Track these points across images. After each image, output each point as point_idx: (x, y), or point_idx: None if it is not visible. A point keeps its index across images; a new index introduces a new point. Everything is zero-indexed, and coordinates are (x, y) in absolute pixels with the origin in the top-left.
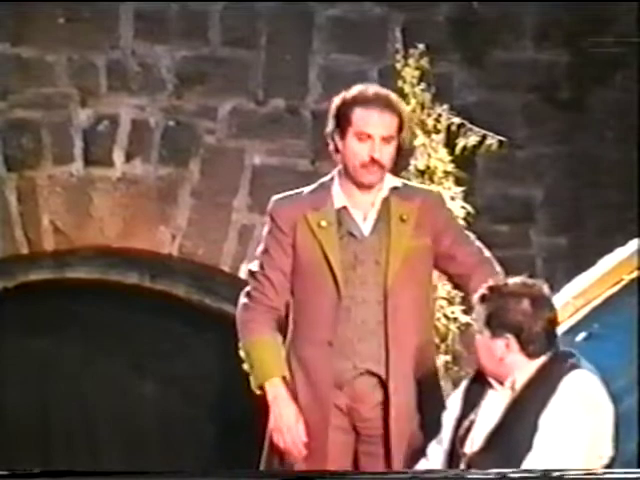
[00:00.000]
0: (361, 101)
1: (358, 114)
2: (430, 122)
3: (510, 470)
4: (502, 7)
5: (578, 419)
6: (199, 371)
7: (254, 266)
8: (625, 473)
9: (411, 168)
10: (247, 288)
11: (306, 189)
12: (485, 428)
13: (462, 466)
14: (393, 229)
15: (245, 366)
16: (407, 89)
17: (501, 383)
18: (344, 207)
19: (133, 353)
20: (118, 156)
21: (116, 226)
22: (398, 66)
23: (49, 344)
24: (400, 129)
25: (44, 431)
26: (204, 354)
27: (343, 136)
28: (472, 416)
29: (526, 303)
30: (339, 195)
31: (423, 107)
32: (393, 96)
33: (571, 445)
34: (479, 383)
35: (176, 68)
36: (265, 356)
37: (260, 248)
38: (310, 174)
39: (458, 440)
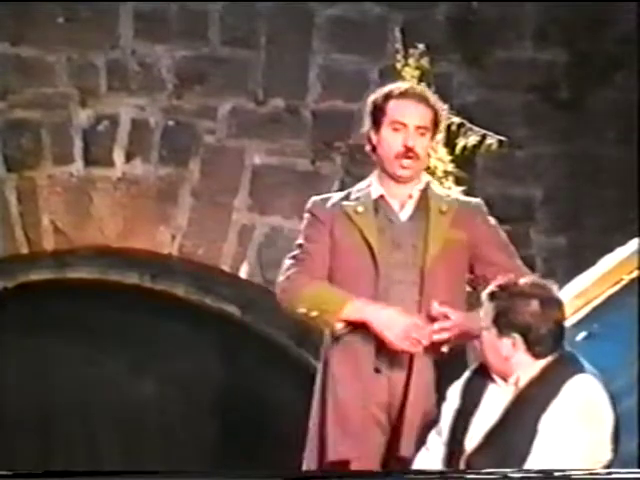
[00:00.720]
0: (396, 94)
1: (393, 105)
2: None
3: (511, 470)
4: (502, 7)
5: (578, 425)
6: (199, 371)
7: (295, 251)
8: (627, 473)
9: None
10: (287, 266)
11: (346, 191)
12: (485, 425)
13: (461, 462)
14: (432, 218)
15: (312, 319)
16: None
17: (504, 379)
18: (381, 196)
19: (133, 353)
20: (118, 156)
21: (116, 226)
22: (398, 66)
23: (49, 344)
24: (435, 124)
25: (44, 430)
26: (204, 354)
27: (378, 130)
28: (472, 410)
29: (535, 304)
30: (376, 187)
31: None
32: (428, 91)
33: (569, 450)
34: (481, 376)
35: (176, 68)
36: (329, 292)
37: (299, 240)
38: (310, 174)
39: (457, 435)
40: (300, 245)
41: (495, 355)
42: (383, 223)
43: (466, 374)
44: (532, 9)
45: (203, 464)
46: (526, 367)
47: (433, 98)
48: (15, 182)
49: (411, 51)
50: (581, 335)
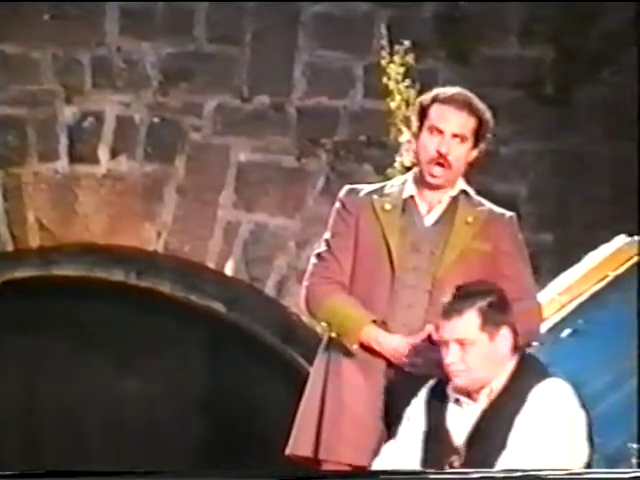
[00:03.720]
0: (441, 98)
1: (435, 109)
2: (414, 118)
3: (515, 470)
4: (487, 4)
5: (551, 431)
6: (185, 368)
7: (320, 248)
8: (609, 473)
9: (397, 165)
10: (311, 269)
11: (382, 183)
12: (457, 442)
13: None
14: (456, 227)
15: (332, 334)
16: (392, 85)
17: (471, 396)
18: (411, 196)
19: (119, 350)
20: (103, 153)
21: (101, 223)
22: (383, 63)
23: (35, 341)
24: (477, 133)
25: (30, 427)
26: (190, 351)
27: (420, 131)
28: (440, 430)
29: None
30: (410, 186)
31: (408, 104)
32: (475, 99)
33: (545, 456)
34: (442, 396)
35: (161, 65)
36: (349, 311)
37: (327, 234)
38: (295, 171)
39: (429, 456)
40: (327, 241)
41: (491, 363)
42: (407, 224)
43: (424, 392)
44: (518, 5)
45: (188, 460)
46: (502, 373)
47: (479, 106)
48: (0, 179)
49: (397, 48)
50: (566, 332)
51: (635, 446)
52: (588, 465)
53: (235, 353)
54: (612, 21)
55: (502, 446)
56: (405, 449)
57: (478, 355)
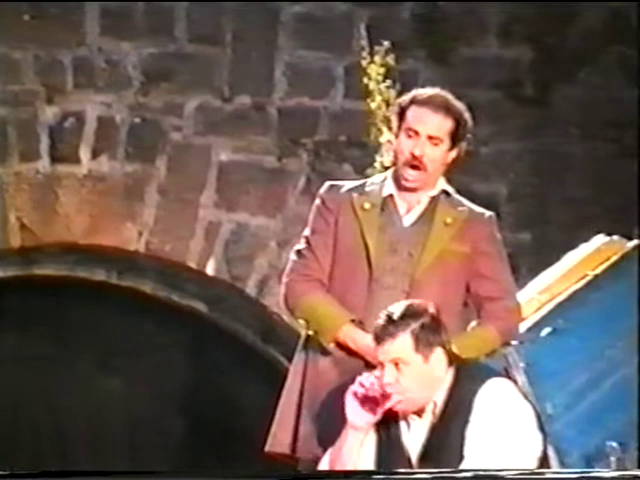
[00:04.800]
0: (418, 100)
1: (412, 111)
2: (394, 119)
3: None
4: (466, 4)
5: (502, 430)
6: (166, 367)
7: (300, 245)
8: (580, 473)
9: (377, 165)
10: (291, 265)
11: (362, 180)
12: (412, 454)
13: None
14: (434, 228)
15: (310, 331)
16: (372, 86)
17: (416, 412)
18: (391, 195)
19: (100, 349)
20: (84, 153)
21: (83, 223)
22: (363, 63)
23: (16, 340)
24: (454, 134)
25: (12, 425)
26: (171, 350)
27: (398, 134)
28: (394, 442)
29: (433, 314)
30: (389, 185)
31: (388, 104)
32: (453, 100)
33: (503, 456)
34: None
35: (142, 65)
36: (326, 309)
37: (307, 230)
38: (276, 171)
39: (384, 467)
40: (306, 238)
41: (423, 388)
42: (386, 224)
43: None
44: (496, 6)
45: (170, 458)
46: (442, 387)
47: (457, 107)
48: None
49: (377, 48)
50: (546, 331)
51: (614, 444)
52: (544, 454)
53: (216, 352)
54: (589, 22)
55: (459, 458)
56: (357, 467)
57: (413, 376)
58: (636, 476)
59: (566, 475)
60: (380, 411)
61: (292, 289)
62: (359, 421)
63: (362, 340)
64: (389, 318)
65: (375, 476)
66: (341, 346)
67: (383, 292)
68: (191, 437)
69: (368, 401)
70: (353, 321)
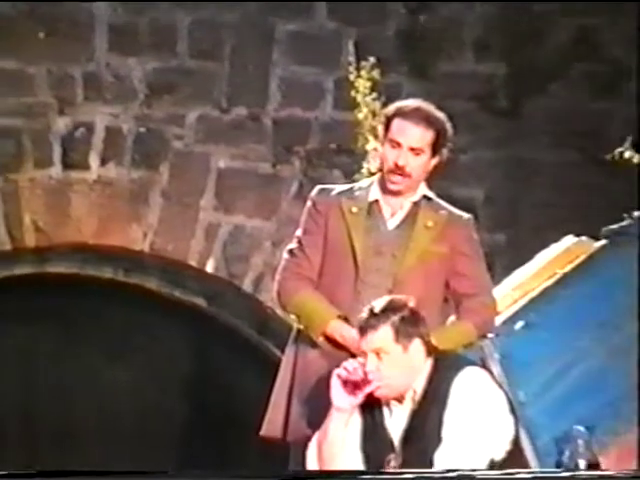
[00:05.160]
0: (401, 112)
1: (395, 123)
2: (380, 128)
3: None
4: (445, 23)
5: (477, 414)
6: (169, 358)
7: (292, 245)
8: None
9: (364, 171)
10: (283, 264)
11: (350, 184)
12: (395, 439)
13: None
14: (416, 231)
15: (300, 326)
16: (359, 98)
17: (396, 399)
18: (376, 200)
19: (108, 342)
20: (94, 160)
21: (92, 225)
22: (351, 77)
23: (31, 333)
24: (435, 144)
25: (27, 414)
26: (174, 342)
27: (384, 143)
28: (378, 427)
29: (412, 308)
30: (375, 190)
31: (374, 114)
32: (434, 112)
33: (479, 439)
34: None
35: (147, 79)
36: (316, 305)
37: (298, 231)
38: (271, 176)
39: (370, 452)
40: (298, 238)
41: (402, 376)
42: (371, 227)
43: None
44: (473, 25)
45: (173, 442)
46: (420, 376)
47: (437, 119)
48: None
49: (363, 63)
50: (519, 324)
51: (581, 428)
52: (516, 437)
53: (215, 344)
54: (558, 40)
55: (438, 441)
56: (344, 447)
57: (393, 364)
58: (636, 476)
59: (551, 475)
60: (361, 394)
61: (284, 286)
62: (343, 403)
63: (348, 334)
64: (371, 311)
65: (375, 476)
66: (329, 339)
67: (369, 290)
68: (193, 422)
69: (351, 384)
70: (340, 317)
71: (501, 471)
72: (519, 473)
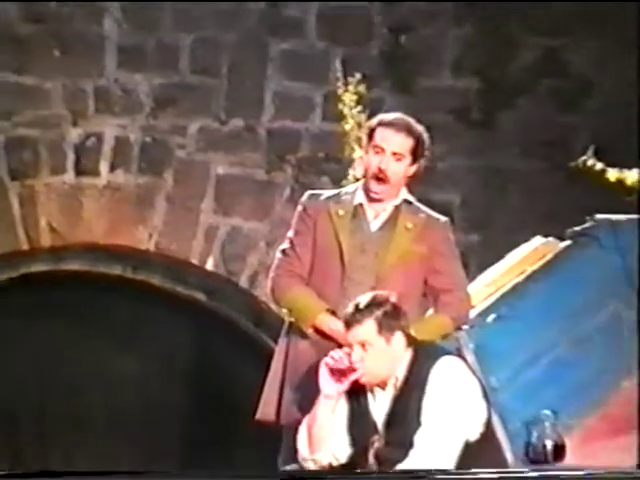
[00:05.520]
0: (383, 122)
1: (378, 132)
2: (365, 138)
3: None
4: (424, 43)
5: (453, 399)
6: (173, 348)
7: (284, 245)
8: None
9: (350, 177)
10: (277, 262)
11: (337, 190)
12: (378, 422)
13: (370, 456)
14: (397, 232)
15: (291, 319)
16: (346, 111)
17: (379, 386)
18: (361, 204)
19: (117, 333)
20: (103, 167)
21: (102, 226)
22: (339, 92)
23: (47, 326)
24: (414, 151)
25: (42, 400)
26: (177, 334)
27: (367, 151)
28: (364, 412)
29: (394, 302)
30: (359, 195)
31: (360, 126)
32: (413, 123)
33: (453, 419)
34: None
35: (152, 93)
36: (306, 300)
37: (290, 232)
38: (265, 182)
39: (357, 436)
40: (290, 239)
41: (385, 365)
42: (356, 228)
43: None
44: (450, 45)
45: (176, 425)
46: (401, 364)
47: (416, 128)
48: (17, 189)
49: (350, 79)
50: (491, 317)
51: (549, 412)
52: (489, 420)
53: (215, 335)
54: (526, 59)
55: (418, 424)
56: (331, 430)
57: (376, 355)
58: (635, 476)
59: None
60: (347, 382)
61: (278, 283)
62: (330, 390)
63: (334, 326)
64: (357, 306)
65: (375, 475)
66: (318, 331)
67: (354, 286)
68: (194, 407)
69: (337, 372)
70: (328, 310)
71: (463, 470)
72: (481, 473)
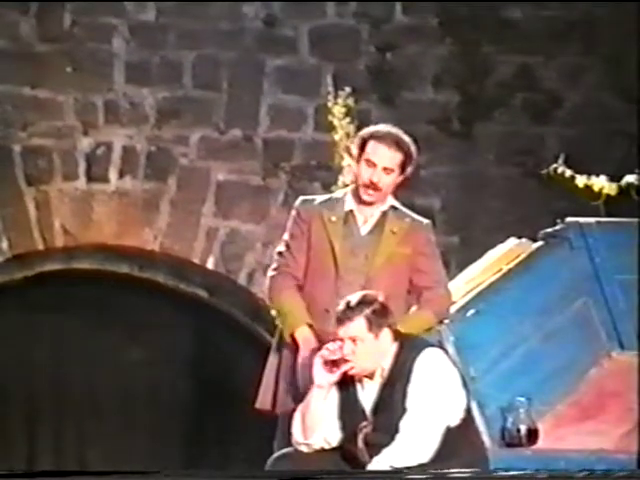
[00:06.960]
0: (376, 136)
1: (370, 145)
2: (354, 147)
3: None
4: (408, 60)
5: (435, 388)
6: (176, 341)
7: (280, 247)
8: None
9: (340, 183)
10: (274, 265)
11: (328, 195)
12: (367, 409)
13: (359, 440)
14: (384, 236)
15: (277, 321)
16: (336, 122)
17: (368, 376)
18: (351, 210)
19: (125, 327)
20: (112, 174)
21: (111, 228)
22: (329, 104)
23: (60, 320)
24: (403, 165)
25: (58, 387)
26: (180, 328)
27: (359, 160)
28: (354, 399)
29: (383, 299)
30: (349, 201)
31: (348, 136)
32: (403, 137)
33: (435, 406)
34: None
35: (157, 106)
36: (292, 308)
37: (285, 235)
38: (261, 188)
39: (347, 421)
40: (285, 241)
41: (373, 358)
42: (348, 233)
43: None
44: (432, 62)
45: (179, 412)
46: (388, 356)
47: (406, 142)
48: (33, 194)
49: (339, 93)
50: (471, 312)
51: (522, 400)
52: (468, 406)
53: (215, 330)
54: (502, 74)
55: (403, 411)
56: (323, 417)
57: (366, 349)
58: (633, 475)
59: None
60: (338, 372)
61: (275, 282)
62: (322, 380)
63: (309, 345)
64: (348, 305)
65: (374, 475)
66: (294, 340)
67: (346, 286)
68: (196, 395)
69: (330, 363)
70: (309, 325)
71: (435, 471)
72: (452, 473)
